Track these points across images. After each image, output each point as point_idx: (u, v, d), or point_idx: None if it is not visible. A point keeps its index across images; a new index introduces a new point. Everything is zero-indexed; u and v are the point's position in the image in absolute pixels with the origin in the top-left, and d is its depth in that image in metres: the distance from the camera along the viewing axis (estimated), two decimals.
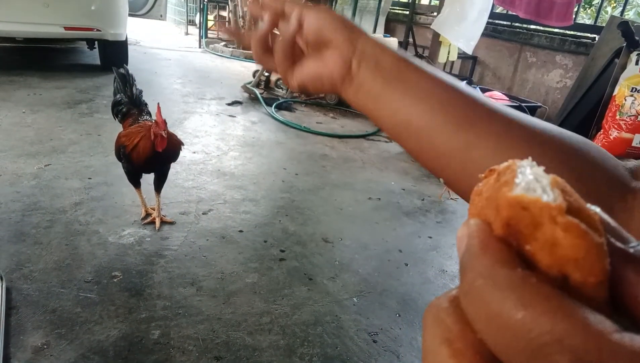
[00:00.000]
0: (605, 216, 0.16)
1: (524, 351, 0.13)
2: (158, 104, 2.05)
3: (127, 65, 5.22)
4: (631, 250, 0.15)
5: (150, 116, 2.31)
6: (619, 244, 0.15)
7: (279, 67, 0.49)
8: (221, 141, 3.48)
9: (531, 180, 0.15)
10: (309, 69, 0.47)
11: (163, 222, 2.20)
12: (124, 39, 4.88)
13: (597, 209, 0.16)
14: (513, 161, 0.16)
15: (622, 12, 4.45)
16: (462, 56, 4.35)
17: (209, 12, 8.41)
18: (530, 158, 0.16)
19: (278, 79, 4.85)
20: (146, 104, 2.40)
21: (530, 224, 0.14)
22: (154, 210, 2.21)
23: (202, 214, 2.34)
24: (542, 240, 0.14)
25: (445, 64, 4.47)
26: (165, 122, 1.99)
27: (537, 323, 0.13)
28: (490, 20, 4.40)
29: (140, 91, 2.41)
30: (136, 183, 2.20)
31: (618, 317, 0.14)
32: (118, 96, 2.37)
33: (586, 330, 0.12)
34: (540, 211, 0.14)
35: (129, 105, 2.33)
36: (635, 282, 0.15)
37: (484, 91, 4.16)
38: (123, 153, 2.06)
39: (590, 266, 0.14)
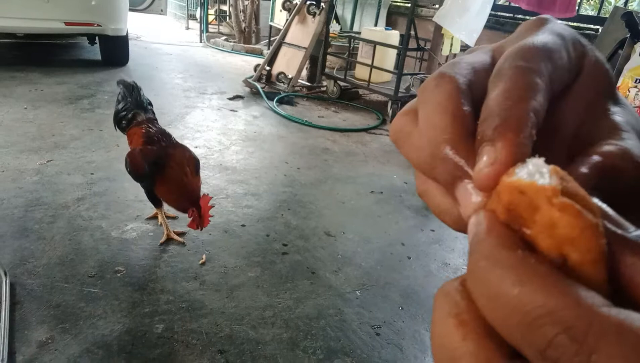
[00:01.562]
0: (604, 206, 0.17)
1: (519, 325, 0.14)
2: (208, 201, 1.86)
3: (128, 60, 5.25)
4: (629, 235, 0.16)
5: (157, 121, 2.14)
6: (618, 231, 0.16)
7: None
8: (223, 135, 3.47)
9: (531, 169, 0.16)
10: None
11: (170, 239, 2.07)
12: (124, 34, 4.87)
13: (596, 200, 0.16)
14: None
15: (625, 3, 4.41)
16: (465, 48, 4.33)
17: (209, 7, 8.37)
18: (537, 155, 0.17)
19: (280, 73, 4.84)
20: (153, 113, 2.21)
21: (529, 207, 0.15)
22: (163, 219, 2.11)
23: None
24: (541, 222, 0.15)
25: (447, 56, 4.44)
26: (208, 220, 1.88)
27: (531, 298, 0.14)
28: (493, 12, 4.37)
29: (149, 101, 2.22)
30: (157, 203, 2.09)
31: (619, 301, 0.14)
32: (120, 104, 2.16)
33: (577, 303, 0.13)
34: (536, 193, 0.15)
35: (136, 109, 2.12)
36: (632, 264, 0.15)
37: None
38: (147, 188, 1.97)
39: (587, 244, 0.14)
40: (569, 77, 0.20)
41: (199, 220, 1.84)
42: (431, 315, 0.17)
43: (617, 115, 0.21)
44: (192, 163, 1.93)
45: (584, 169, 0.19)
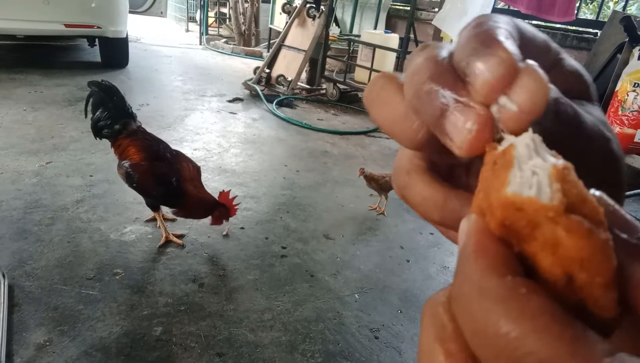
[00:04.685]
0: (609, 200, 0.15)
1: None
2: (228, 194, 2.00)
3: (127, 62, 5.25)
4: (635, 241, 0.14)
5: (141, 123, 2.07)
6: (623, 235, 0.14)
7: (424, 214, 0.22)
8: (222, 138, 3.47)
9: (527, 175, 0.14)
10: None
11: (169, 241, 2.06)
12: (124, 36, 4.88)
13: (598, 193, 0.15)
14: (511, 143, 0.15)
15: (624, 7, 4.43)
16: None
17: (209, 9, 8.39)
18: (530, 130, 0.15)
19: (279, 76, 4.84)
20: (136, 116, 2.09)
21: (528, 225, 0.13)
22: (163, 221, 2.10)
23: None
24: (542, 240, 0.13)
25: None
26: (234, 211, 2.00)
27: (522, 342, 0.12)
28: None
29: (130, 106, 2.08)
30: (154, 207, 2.06)
31: (630, 318, 0.13)
32: (99, 110, 2.02)
33: (574, 354, 0.12)
34: (535, 212, 0.13)
35: (124, 118, 1.99)
36: None
37: None
38: (152, 203, 2.00)
39: (597, 266, 0.13)
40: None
41: (226, 213, 1.98)
42: None
43: (584, 110, 0.19)
44: (197, 173, 1.99)
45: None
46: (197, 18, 8.86)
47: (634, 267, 0.14)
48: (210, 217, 2.00)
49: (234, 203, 2.00)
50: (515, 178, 0.14)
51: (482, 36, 0.16)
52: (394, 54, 4.69)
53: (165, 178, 1.89)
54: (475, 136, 0.15)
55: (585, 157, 0.18)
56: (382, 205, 2.58)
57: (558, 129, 0.17)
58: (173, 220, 2.21)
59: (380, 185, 2.47)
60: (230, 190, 2.02)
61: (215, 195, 2.02)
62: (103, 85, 2.04)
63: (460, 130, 0.15)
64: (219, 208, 1.97)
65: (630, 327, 0.14)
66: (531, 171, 0.14)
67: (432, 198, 0.19)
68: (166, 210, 2.25)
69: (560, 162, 0.14)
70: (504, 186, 0.14)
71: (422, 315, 0.16)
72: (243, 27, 7.44)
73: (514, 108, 0.14)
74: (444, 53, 0.17)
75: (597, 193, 0.15)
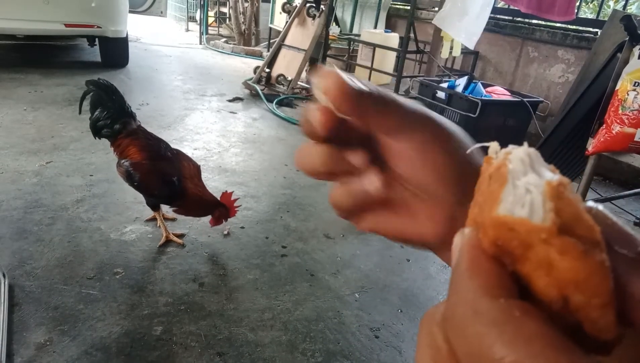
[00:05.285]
0: (607, 213, 0.15)
1: None
2: (230, 196, 2.01)
3: (127, 62, 5.25)
4: (634, 256, 0.14)
5: (140, 122, 2.06)
6: (622, 250, 0.14)
7: (342, 208, 0.30)
8: (222, 137, 3.47)
9: (520, 193, 0.13)
10: (389, 224, 0.29)
11: (169, 241, 2.06)
12: (124, 35, 4.88)
13: (596, 207, 0.14)
14: (506, 158, 0.14)
15: (624, 6, 4.42)
16: (464, 51, 4.33)
17: (209, 9, 8.38)
18: (526, 144, 0.14)
19: (279, 75, 4.84)
20: (135, 115, 2.07)
21: (520, 245, 0.13)
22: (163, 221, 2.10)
23: None
24: (536, 261, 0.13)
25: (447, 59, 4.45)
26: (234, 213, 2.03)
27: None
28: (492, 15, 4.38)
29: (129, 105, 2.06)
30: (155, 206, 2.06)
31: (631, 333, 0.13)
32: (98, 110, 2.00)
33: None
34: (528, 233, 0.13)
35: (124, 117, 1.98)
36: None
37: (485, 86, 4.14)
38: (153, 203, 2.01)
39: (593, 288, 0.12)
40: None
41: (226, 214, 1.98)
42: None
43: None
44: (197, 171, 1.99)
45: None
46: (197, 18, 8.86)
47: (634, 284, 0.14)
48: (210, 217, 2.00)
49: (235, 204, 2.01)
50: (508, 195, 0.13)
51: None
52: (394, 54, 4.69)
53: (167, 176, 1.90)
54: (319, 118, 0.25)
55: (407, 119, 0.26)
56: None
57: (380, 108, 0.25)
58: (173, 220, 2.22)
59: None
60: (232, 191, 2.03)
61: (216, 195, 2.02)
62: (101, 83, 2.02)
63: (314, 118, 0.25)
64: (219, 208, 1.98)
65: (631, 343, 0.13)
66: (525, 189, 0.13)
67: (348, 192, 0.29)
68: (166, 209, 2.25)
69: (556, 178, 0.13)
70: (496, 203, 0.14)
71: (419, 330, 0.16)
72: (243, 27, 7.44)
73: (326, 97, 0.24)
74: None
75: (595, 206, 0.14)
